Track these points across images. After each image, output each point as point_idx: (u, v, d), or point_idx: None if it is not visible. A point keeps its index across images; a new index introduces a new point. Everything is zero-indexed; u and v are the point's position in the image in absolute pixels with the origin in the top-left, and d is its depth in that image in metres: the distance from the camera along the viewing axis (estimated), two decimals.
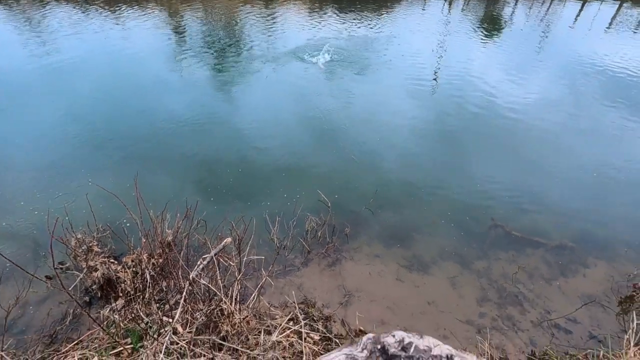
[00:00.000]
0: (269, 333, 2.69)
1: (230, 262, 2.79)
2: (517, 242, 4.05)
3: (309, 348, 2.67)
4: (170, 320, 2.43)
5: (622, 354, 2.68)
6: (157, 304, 2.89)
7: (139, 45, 8.51)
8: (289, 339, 2.61)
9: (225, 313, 2.50)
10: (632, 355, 2.57)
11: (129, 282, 3.00)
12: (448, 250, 3.95)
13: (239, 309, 2.77)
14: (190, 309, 2.41)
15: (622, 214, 4.46)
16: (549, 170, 5.10)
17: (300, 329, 2.84)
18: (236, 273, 2.69)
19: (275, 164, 4.90)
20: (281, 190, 4.47)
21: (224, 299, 2.44)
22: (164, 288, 2.80)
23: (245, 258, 3.08)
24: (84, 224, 3.58)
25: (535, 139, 5.73)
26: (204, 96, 6.55)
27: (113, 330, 2.59)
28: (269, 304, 3.22)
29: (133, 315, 2.54)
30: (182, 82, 6.98)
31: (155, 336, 2.33)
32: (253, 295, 2.85)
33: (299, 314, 3.01)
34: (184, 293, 2.37)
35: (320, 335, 2.86)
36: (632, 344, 2.56)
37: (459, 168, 5.05)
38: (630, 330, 2.63)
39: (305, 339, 2.81)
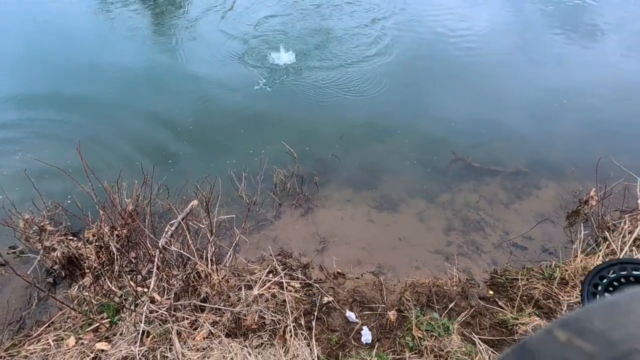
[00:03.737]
0: (250, 288, 2.71)
1: (200, 225, 2.69)
2: (477, 173, 4.24)
3: (292, 296, 2.75)
4: (146, 289, 2.36)
5: (570, 261, 3.01)
6: (129, 276, 2.79)
7: None
8: (270, 290, 2.65)
9: (203, 275, 2.46)
10: (579, 261, 2.88)
11: (93, 257, 2.84)
12: (414, 187, 4.08)
13: (216, 269, 2.74)
14: (165, 277, 2.34)
15: (569, 135, 4.76)
16: (503, 100, 5.25)
17: (280, 280, 2.89)
18: (208, 235, 2.62)
19: (235, 118, 4.64)
20: (244, 147, 4.28)
21: (198, 262, 2.38)
22: (133, 260, 2.69)
23: (215, 219, 2.99)
24: (30, 204, 3.26)
25: (488, 70, 5.80)
26: (144, 47, 5.88)
27: (86, 308, 2.49)
28: (246, 260, 3.22)
29: (105, 290, 2.43)
30: (115, 33, 6.19)
31: (132, 307, 2.26)
32: (228, 254, 2.81)
33: (277, 266, 3.05)
34: (156, 261, 2.28)
35: (300, 283, 2.94)
36: (579, 252, 2.85)
37: (419, 107, 5.06)
38: (578, 240, 2.92)
39: (286, 288, 2.87)
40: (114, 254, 2.81)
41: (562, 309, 2.64)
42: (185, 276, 2.31)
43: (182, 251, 2.43)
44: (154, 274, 2.23)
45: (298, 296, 2.76)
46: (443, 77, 5.61)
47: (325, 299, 2.84)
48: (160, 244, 2.33)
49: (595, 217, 3.49)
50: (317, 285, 2.93)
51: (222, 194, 3.77)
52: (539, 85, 5.53)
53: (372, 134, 4.62)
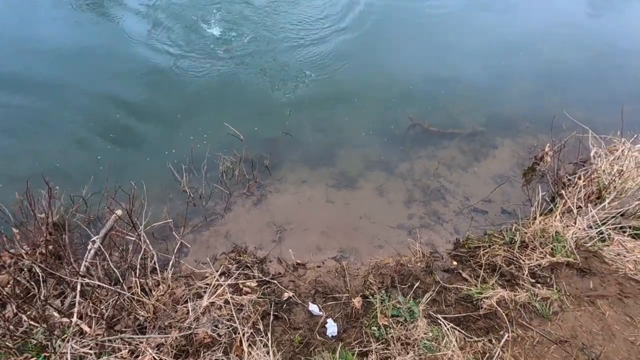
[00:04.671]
0: (200, 297, 2.45)
1: (129, 235, 2.34)
2: (435, 137, 4.10)
3: (248, 299, 2.52)
4: (72, 320, 2.03)
5: (529, 223, 2.98)
6: (58, 300, 2.43)
7: None
8: (222, 296, 2.40)
9: (142, 293, 2.16)
10: (538, 222, 2.85)
11: (10, 285, 2.43)
12: (372, 160, 3.88)
13: (159, 281, 2.44)
14: (92, 304, 2.01)
15: (522, 90, 4.69)
16: (458, 57, 5.05)
17: (235, 281, 2.65)
18: (142, 245, 2.28)
19: (171, 103, 4.12)
20: (182, 133, 3.83)
21: (134, 278, 2.07)
22: (54, 287, 2.32)
23: (156, 224, 2.64)
24: None
25: (443, 28, 5.52)
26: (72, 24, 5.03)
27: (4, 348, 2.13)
28: (196, 262, 2.94)
29: (25, 327, 2.08)
30: (42, 8, 5.23)
31: (57, 345, 1.94)
32: (171, 262, 2.51)
33: (230, 266, 2.79)
34: (78, 289, 1.94)
35: (257, 281, 2.71)
36: (537, 214, 2.81)
37: (374, 72, 4.75)
38: (536, 202, 2.87)
39: (242, 290, 2.65)
40: (37, 278, 2.42)
41: (524, 274, 2.62)
42: (116, 300, 2.00)
43: (111, 266, 2.09)
44: (76, 304, 1.90)
45: (255, 297, 2.55)
46: (398, 39, 5.27)
47: (286, 295, 2.64)
48: (82, 268, 1.98)
49: (550, 173, 3.48)
50: (276, 281, 2.72)
51: (163, 189, 3.40)
52: (490, 40, 5.36)
53: (325, 106, 4.30)
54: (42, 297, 2.31)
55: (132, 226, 2.13)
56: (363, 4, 5.63)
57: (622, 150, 3.05)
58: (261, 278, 2.72)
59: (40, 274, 2.38)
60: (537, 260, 2.67)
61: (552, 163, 3.55)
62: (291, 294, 2.65)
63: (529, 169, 3.79)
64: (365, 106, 4.35)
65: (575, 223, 2.68)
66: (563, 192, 3.02)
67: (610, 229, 2.70)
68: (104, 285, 1.92)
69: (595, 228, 2.72)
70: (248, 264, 2.84)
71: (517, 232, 2.87)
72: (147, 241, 2.59)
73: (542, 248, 2.71)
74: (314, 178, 3.69)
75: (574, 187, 3.06)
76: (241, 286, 2.65)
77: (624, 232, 2.72)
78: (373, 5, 5.66)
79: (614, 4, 6.40)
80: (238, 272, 2.72)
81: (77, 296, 1.93)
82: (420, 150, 3.99)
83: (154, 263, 2.59)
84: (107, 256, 2.02)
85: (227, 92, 4.25)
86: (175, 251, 2.55)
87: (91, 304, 1.98)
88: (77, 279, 1.93)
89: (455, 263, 2.94)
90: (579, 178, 3.02)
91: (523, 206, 3.49)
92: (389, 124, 4.17)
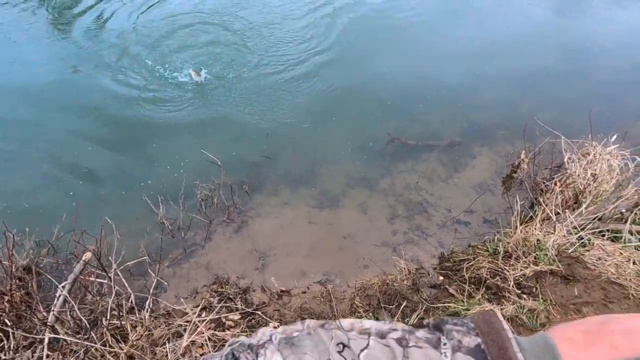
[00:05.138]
0: (180, 336, 2.35)
1: (99, 279, 2.24)
2: (414, 150, 4.12)
3: (231, 333, 2.43)
4: None
5: (511, 232, 2.98)
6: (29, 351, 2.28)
7: None
8: (203, 335, 2.30)
9: (115, 341, 2.05)
10: (519, 231, 2.86)
11: None
12: (354, 177, 3.87)
13: (138, 321, 2.33)
14: (61, 355, 1.89)
15: (496, 98, 4.79)
16: (430, 71, 5.13)
17: (217, 316, 2.55)
18: (114, 287, 2.18)
19: (144, 132, 4.04)
20: (158, 163, 3.75)
21: (105, 329, 1.96)
22: (24, 338, 2.18)
23: (129, 263, 2.54)
24: None
25: (414, 36, 5.65)
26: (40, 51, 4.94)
27: None
28: (176, 297, 2.83)
29: None
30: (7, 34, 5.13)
31: None
32: (147, 302, 2.40)
33: (211, 299, 2.70)
34: (46, 341, 1.82)
35: (241, 313, 2.62)
36: (518, 223, 2.82)
37: (348, 88, 4.79)
38: (516, 212, 2.89)
39: (224, 324, 2.55)
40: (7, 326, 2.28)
41: (509, 285, 2.60)
42: (85, 352, 1.88)
43: (81, 316, 1.98)
44: (44, 357, 1.78)
45: (239, 331, 2.45)
46: (372, 54, 5.33)
47: (271, 326, 2.55)
48: (50, 317, 1.87)
49: (528, 180, 3.52)
50: (260, 311, 2.63)
51: (140, 223, 3.30)
52: (462, 45, 5.47)
53: (301, 123, 4.29)
54: (11, 349, 2.17)
55: (102, 269, 2.04)
56: (339, 24, 5.71)
57: (594, 154, 3.12)
58: (244, 310, 2.63)
59: (8, 324, 2.25)
60: (521, 270, 2.66)
61: (529, 170, 3.59)
62: (276, 324, 2.57)
63: (507, 176, 3.84)
64: (343, 124, 4.36)
65: (554, 230, 2.69)
66: (541, 199, 3.05)
67: (589, 234, 2.73)
68: (70, 339, 1.81)
69: (575, 233, 2.74)
70: (230, 296, 2.75)
71: (500, 243, 2.87)
72: (124, 280, 2.49)
73: (526, 257, 2.71)
74: (295, 200, 3.65)
75: (551, 193, 3.09)
76: (224, 320, 2.55)
77: (603, 235, 2.75)
78: (346, 23, 5.76)
79: (582, 7, 6.65)
80: (220, 305, 2.63)
81: (45, 349, 1.82)
82: (400, 165, 4.00)
83: (131, 302, 2.48)
84: (75, 305, 1.91)
85: (203, 119, 4.20)
86: (152, 290, 2.44)
87: (61, 356, 1.86)
88: (45, 330, 1.82)
89: (441, 278, 2.91)
90: (555, 184, 3.06)
91: (505, 214, 3.51)
92: (368, 141, 4.18)
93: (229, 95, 4.45)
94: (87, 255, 2.19)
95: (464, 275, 2.80)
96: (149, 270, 2.66)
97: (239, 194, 3.57)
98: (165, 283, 2.92)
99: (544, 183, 3.39)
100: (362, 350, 0.56)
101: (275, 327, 0.65)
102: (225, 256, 3.14)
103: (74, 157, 3.74)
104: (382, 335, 0.59)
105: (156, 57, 4.90)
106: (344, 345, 0.57)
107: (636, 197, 2.64)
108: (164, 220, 3.24)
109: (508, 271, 2.69)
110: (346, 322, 0.62)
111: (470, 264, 2.86)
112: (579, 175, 3.03)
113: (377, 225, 3.45)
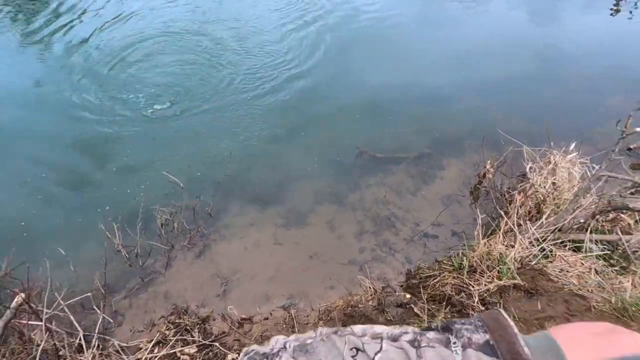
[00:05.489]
0: None
1: (36, 322, 2.10)
2: (382, 163, 4.09)
3: None
4: None
5: (475, 246, 2.95)
6: None
7: None
8: None
9: None
10: (483, 245, 2.82)
11: None
12: (322, 193, 3.80)
13: None
14: None
15: (465, 107, 4.81)
16: (399, 83, 5.15)
17: (171, 350, 2.42)
18: (44, 332, 2.05)
19: (100, 156, 3.91)
20: (117, 188, 3.62)
21: None
22: None
23: (73, 300, 2.40)
24: None
25: (380, 54, 5.68)
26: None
27: None
28: (131, 331, 2.69)
29: None
30: None
31: None
32: (93, 341, 2.26)
33: (167, 332, 2.57)
34: None
35: (197, 346, 2.50)
36: (481, 236, 2.79)
37: (316, 102, 4.76)
38: (478, 226, 2.85)
39: (179, 358, 2.42)
40: None
41: (474, 302, 2.55)
42: None
43: None
44: None
45: None
46: (341, 66, 5.35)
47: (229, 358, 2.44)
48: None
49: (493, 190, 3.51)
50: (218, 343, 2.51)
51: (97, 252, 3.15)
52: (429, 55, 5.54)
53: (267, 140, 4.23)
54: None
55: (34, 313, 1.91)
56: (306, 39, 5.71)
57: (554, 162, 3.12)
58: (201, 342, 2.50)
59: None
60: (485, 285, 2.61)
61: (494, 180, 3.59)
62: (235, 355, 2.45)
63: (475, 187, 3.82)
64: (312, 139, 4.32)
65: (515, 243, 2.67)
66: (502, 211, 3.03)
67: (551, 245, 2.71)
68: None
69: (537, 245, 2.72)
70: (188, 327, 2.62)
71: (465, 257, 2.83)
72: (71, 317, 2.35)
73: (490, 272, 2.67)
74: (261, 219, 3.56)
75: (514, 203, 3.08)
76: (179, 355, 2.43)
77: (565, 246, 2.73)
78: (313, 37, 5.76)
79: (552, 15, 6.80)
80: (175, 338, 2.50)
81: None
82: (369, 179, 3.95)
83: (80, 340, 2.34)
84: (7, 353, 1.78)
85: (165, 139, 4.09)
86: (97, 327, 2.31)
87: None
88: None
89: (408, 296, 2.85)
90: (518, 194, 3.05)
91: (472, 226, 3.47)
92: (336, 155, 4.14)
93: (190, 113, 4.36)
94: (20, 297, 2.05)
95: (429, 292, 2.74)
96: (95, 307, 2.52)
97: (202, 216, 3.47)
98: (121, 316, 2.78)
99: (508, 193, 3.38)
100: (376, 354, 0.61)
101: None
102: (186, 283, 3.01)
103: (27, 184, 3.59)
104: (394, 339, 0.64)
105: (118, 78, 4.79)
106: (358, 350, 0.61)
107: (593, 206, 2.64)
108: (121, 248, 3.10)
109: (473, 286, 2.64)
110: (358, 328, 0.66)
111: (436, 280, 2.80)
112: (540, 184, 3.02)
113: (345, 242, 3.38)
